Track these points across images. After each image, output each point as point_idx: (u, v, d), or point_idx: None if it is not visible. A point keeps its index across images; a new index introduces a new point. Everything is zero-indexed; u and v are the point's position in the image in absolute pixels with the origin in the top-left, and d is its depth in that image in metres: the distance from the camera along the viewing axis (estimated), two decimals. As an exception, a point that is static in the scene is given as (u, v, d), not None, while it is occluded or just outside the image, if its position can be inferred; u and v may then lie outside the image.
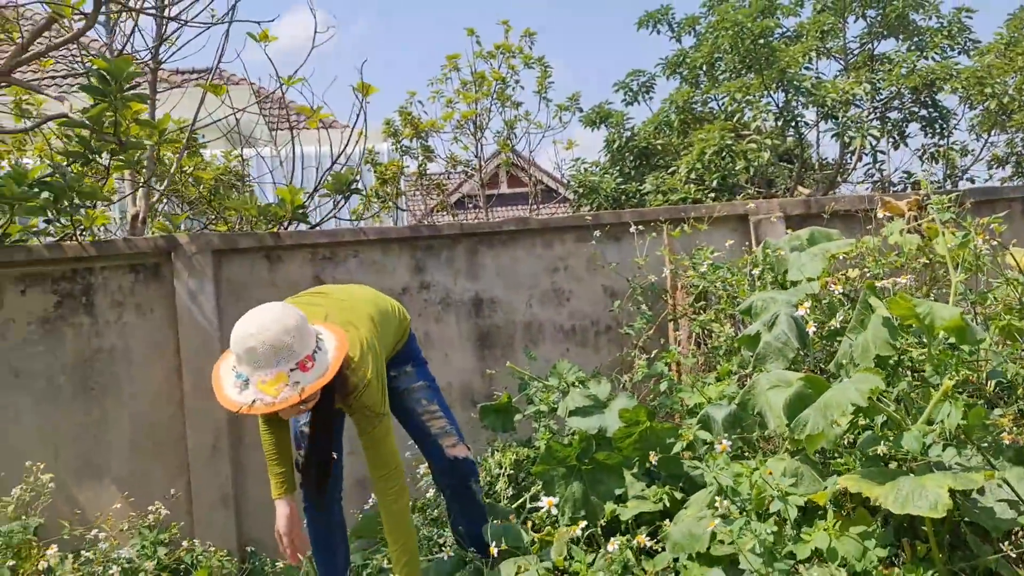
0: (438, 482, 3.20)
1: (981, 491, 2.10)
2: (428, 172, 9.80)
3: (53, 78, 4.26)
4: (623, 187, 10.04)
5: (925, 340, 2.28)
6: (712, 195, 8.73)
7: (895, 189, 10.12)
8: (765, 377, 2.44)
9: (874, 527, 2.10)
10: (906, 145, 10.05)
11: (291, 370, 2.35)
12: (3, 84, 3.97)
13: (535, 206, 10.22)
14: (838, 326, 2.47)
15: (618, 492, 3.02)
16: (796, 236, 3.14)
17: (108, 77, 3.56)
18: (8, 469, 3.84)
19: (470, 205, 10.67)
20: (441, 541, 3.45)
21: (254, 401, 2.33)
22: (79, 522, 3.74)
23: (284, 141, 6.56)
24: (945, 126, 9.40)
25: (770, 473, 2.13)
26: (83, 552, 3.17)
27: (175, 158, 5.58)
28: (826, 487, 2.23)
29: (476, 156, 9.72)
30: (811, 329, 2.43)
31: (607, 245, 4.49)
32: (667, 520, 2.88)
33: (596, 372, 3.79)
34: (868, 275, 2.82)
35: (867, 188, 10.32)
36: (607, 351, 4.54)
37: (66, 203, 3.85)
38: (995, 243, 2.53)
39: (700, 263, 3.96)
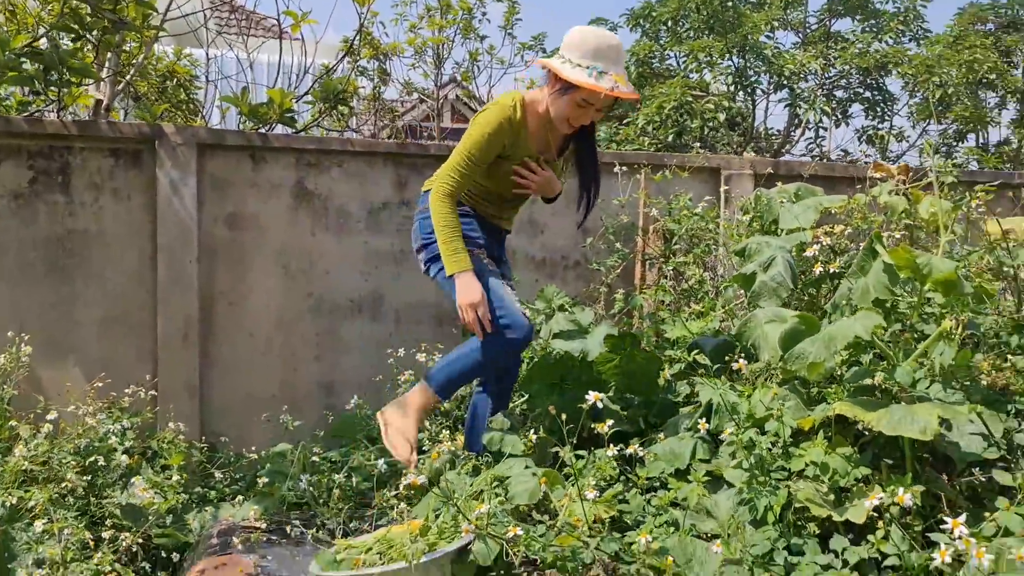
0: (494, 380, 3.20)
1: (949, 427, 2.35)
2: (382, 96, 9.70)
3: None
4: (576, 134, 10.14)
5: (913, 290, 2.52)
6: (663, 151, 8.93)
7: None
8: (762, 312, 2.64)
9: (852, 451, 2.33)
10: (847, 124, 10.47)
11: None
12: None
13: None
14: (837, 270, 2.68)
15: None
16: (784, 190, 3.33)
17: (115, -49, 3.47)
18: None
19: (424, 135, 10.62)
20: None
21: (613, 87, 2.74)
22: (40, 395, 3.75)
23: (238, 46, 6.45)
24: (887, 110, 9.82)
25: (775, 395, 2.34)
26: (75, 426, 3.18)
27: (141, 48, 5.43)
28: (810, 414, 2.46)
29: (436, 85, 9.68)
30: (818, 270, 2.63)
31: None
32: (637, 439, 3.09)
33: (577, 301, 3.95)
34: (851, 231, 3.04)
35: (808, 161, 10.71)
36: (573, 285, 4.71)
37: (56, 76, 3.75)
38: (977, 213, 2.78)
39: (677, 208, 4.15)
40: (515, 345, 2.90)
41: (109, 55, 4.74)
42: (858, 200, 2.94)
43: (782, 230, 3.04)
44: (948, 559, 1.64)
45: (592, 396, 2.17)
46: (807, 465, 2.18)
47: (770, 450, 2.26)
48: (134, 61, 5.70)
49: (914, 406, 2.09)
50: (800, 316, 2.51)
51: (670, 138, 8.61)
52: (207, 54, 6.82)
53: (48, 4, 4.90)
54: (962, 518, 1.68)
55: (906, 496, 1.78)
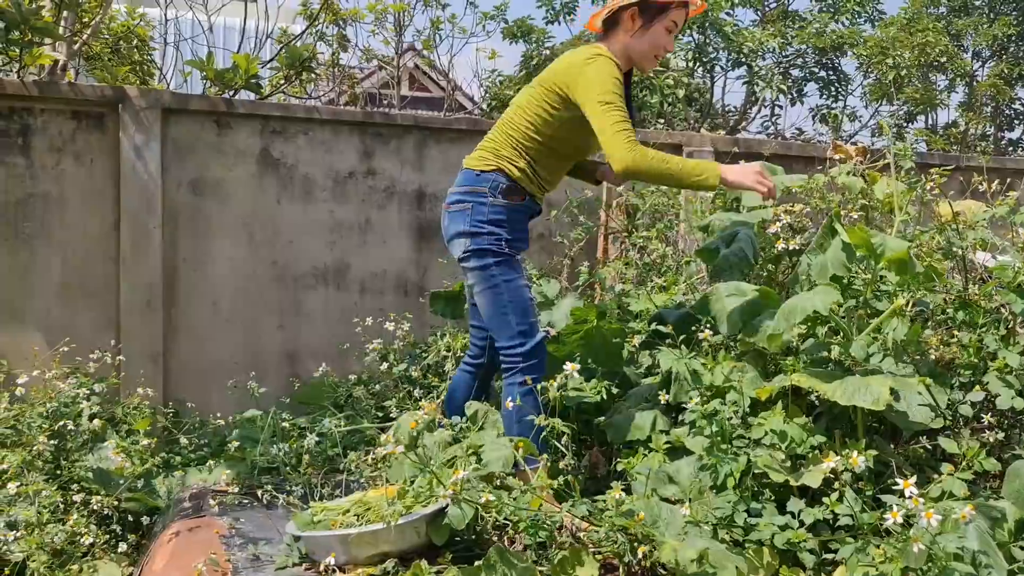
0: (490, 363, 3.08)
1: (897, 397, 2.48)
2: (341, 62, 9.61)
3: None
4: (536, 105, 10.16)
5: (867, 268, 2.64)
6: (624, 125, 9.00)
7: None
8: (724, 286, 2.73)
9: (807, 421, 2.45)
10: (802, 103, 10.66)
11: None
12: None
13: (448, 113, 10.21)
14: (796, 247, 2.79)
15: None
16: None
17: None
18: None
19: (384, 103, 10.55)
20: (382, 414, 3.65)
21: None
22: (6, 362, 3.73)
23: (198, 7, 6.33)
24: (842, 90, 10.02)
25: (735, 367, 2.44)
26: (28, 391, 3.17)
27: (99, 7, 5.33)
28: (767, 384, 2.57)
29: (396, 52, 9.61)
30: (780, 246, 2.73)
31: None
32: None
33: (543, 272, 4.03)
34: (809, 210, 3.15)
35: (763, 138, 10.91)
36: (537, 257, 4.78)
37: (18, 36, 3.67)
38: (931, 195, 2.92)
39: (641, 184, 4.23)
40: (535, 355, 2.69)
41: (66, 14, 4.65)
42: (817, 180, 3.05)
43: (744, 207, 3.13)
44: (899, 519, 1.76)
45: (569, 367, 2.25)
46: (766, 433, 2.29)
47: (730, 420, 2.37)
48: (89, 20, 5.58)
49: (867, 378, 2.21)
50: (760, 290, 2.62)
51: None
52: (164, 15, 6.70)
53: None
54: (912, 479, 1.80)
55: (860, 459, 1.90)
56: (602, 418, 3.11)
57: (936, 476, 2.26)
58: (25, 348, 3.90)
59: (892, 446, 2.61)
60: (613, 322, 3.54)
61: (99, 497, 2.75)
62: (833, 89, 10.16)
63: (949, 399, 2.45)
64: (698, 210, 3.36)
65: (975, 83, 10.63)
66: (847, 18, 9.53)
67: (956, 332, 2.73)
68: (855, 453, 1.94)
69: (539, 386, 2.50)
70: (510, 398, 2.64)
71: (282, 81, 4.90)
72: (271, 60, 4.74)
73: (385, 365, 3.66)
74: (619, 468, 2.51)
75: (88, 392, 3.40)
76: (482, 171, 2.72)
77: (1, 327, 3.93)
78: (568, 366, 2.27)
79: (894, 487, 1.82)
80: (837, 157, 3.02)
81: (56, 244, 4.05)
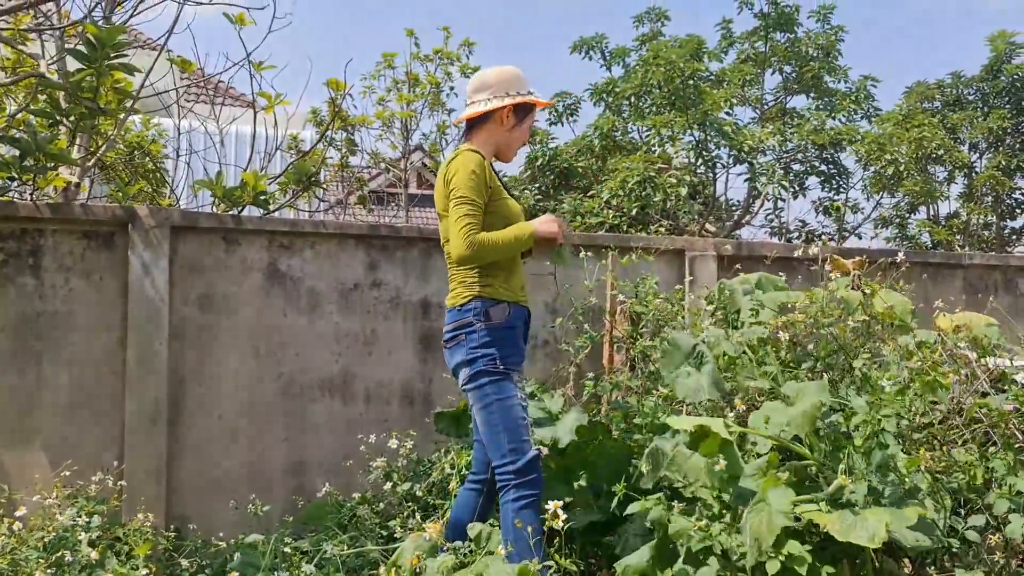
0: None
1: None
2: (349, 165, 9.86)
3: (24, 31, 4.15)
4: (541, 204, 10.35)
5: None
6: (628, 224, 9.14)
7: (791, 236, 10.86)
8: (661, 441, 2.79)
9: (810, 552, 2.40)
10: (804, 196, 10.82)
11: None
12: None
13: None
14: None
15: (567, 500, 3.25)
16: (746, 279, 3.46)
17: (96, 43, 3.54)
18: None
19: (392, 204, 10.75)
20: (386, 533, 3.60)
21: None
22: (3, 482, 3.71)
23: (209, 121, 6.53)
24: (842, 183, 10.17)
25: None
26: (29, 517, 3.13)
27: (113, 126, 5.49)
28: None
29: (403, 156, 9.85)
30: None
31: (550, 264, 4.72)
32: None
33: (545, 386, 4.02)
34: (813, 323, 3.16)
35: (766, 233, 11.04)
36: (542, 365, 4.78)
37: (32, 162, 3.78)
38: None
39: (644, 291, 4.26)
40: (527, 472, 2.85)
41: (80, 134, 4.78)
42: (815, 296, 3.06)
43: (743, 323, 3.15)
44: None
45: (552, 505, 2.24)
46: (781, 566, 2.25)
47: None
48: (104, 138, 5.75)
49: (864, 512, 2.18)
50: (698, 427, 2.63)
51: (634, 211, 8.82)
52: (178, 128, 6.90)
53: (22, 88, 4.94)
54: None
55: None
56: (609, 538, 3.08)
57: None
58: (29, 467, 3.89)
59: (907, 564, 2.56)
60: (620, 437, 3.53)
61: (95, 633, 2.69)
62: (834, 182, 10.32)
63: (950, 522, 2.42)
64: (698, 323, 3.38)
65: (974, 174, 10.77)
66: (844, 115, 9.74)
67: (955, 443, 2.69)
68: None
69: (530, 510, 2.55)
70: (507, 519, 2.77)
71: (289, 195, 5.00)
72: (279, 176, 4.85)
73: (389, 484, 3.63)
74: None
75: (87, 521, 3.36)
76: (462, 305, 3.02)
77: (7, 446, 3.92)
78: (551, 504, 2.25)
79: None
80: (834, 275, 3.05)
81: (63, 362, 4.07)
